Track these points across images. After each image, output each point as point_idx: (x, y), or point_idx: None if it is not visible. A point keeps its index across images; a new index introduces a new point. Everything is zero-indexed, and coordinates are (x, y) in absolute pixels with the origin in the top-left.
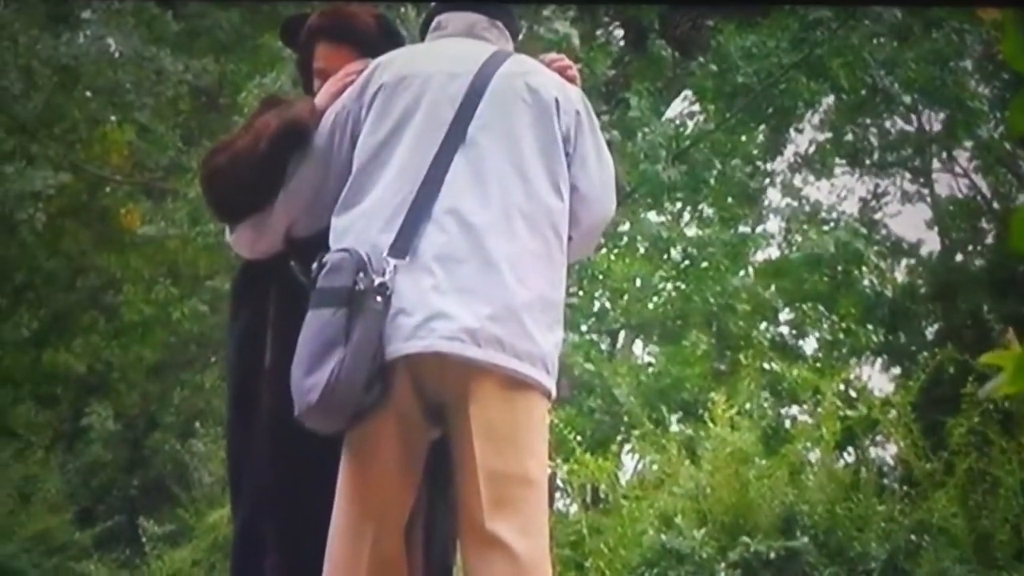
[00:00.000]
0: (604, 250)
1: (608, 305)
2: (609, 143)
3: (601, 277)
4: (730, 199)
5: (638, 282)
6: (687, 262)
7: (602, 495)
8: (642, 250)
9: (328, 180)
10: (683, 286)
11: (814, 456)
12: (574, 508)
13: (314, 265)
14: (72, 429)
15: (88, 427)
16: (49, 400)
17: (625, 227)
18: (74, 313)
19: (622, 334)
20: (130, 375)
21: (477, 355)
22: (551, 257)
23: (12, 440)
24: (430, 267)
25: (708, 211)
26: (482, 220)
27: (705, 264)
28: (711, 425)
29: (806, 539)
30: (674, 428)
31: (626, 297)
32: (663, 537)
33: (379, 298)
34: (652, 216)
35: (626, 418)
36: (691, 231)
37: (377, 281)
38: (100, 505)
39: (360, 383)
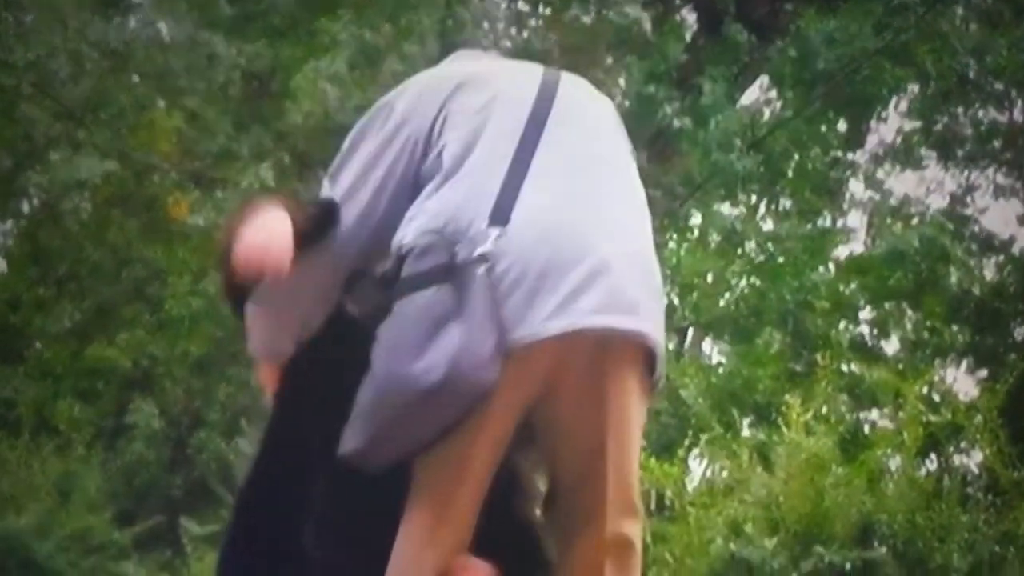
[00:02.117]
0: (673, 243)
1: (676, 301)
2: (680, 131)
3: (669, 272)
4: (809, 191)
5: (709, 277)
6: (762, 257)
7: (668, 502)
8: (714, 244)
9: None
10: (757, 282)
11: (894, 463)
12: None
13: (384, 263)
14: (114, 426)
15: (131, 424)
16: (91, 395)
17: (696, 219)
18: (118, 306)
19: (691, 332)
20: (175, 370)
21: (622, 328)
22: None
23: (52, 436)
24: (546, 236)
25: (785, 203)
26: (586, 196)
27: (781, 259)
28: (785, 430)
29: (884, 550)
30: (745, 432)
31: (696, 293)
32: (732, 546)
33: (483, 269)
34: (725, 208)
35: (694, 421)
36: (767, 224)
37: (478, 252)
38: (141, 504)
39: (486, 358)
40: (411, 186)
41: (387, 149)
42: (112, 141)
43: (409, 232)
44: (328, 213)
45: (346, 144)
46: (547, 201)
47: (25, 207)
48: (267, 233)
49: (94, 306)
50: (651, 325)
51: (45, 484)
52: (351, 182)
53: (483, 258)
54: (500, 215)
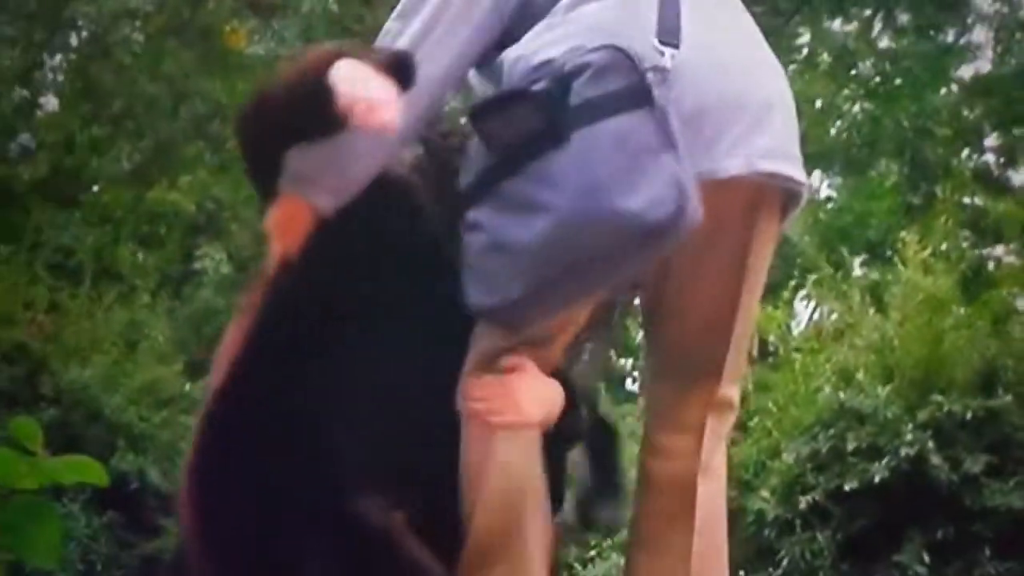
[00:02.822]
0: None
1: None
2: None
3: None
4: (929, 3)
5: (818, 103)
6: (877, 79)
7: (771, 347)
8: (824, 65)
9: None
10: (872, 107)
11: (1022, 303)
12: None
13: (534, 78)
14: (180, 272)
15: (199, 270)
16: (154, 241)
17: (805, 38)
18: (178, 144)
19: None
20: (241, 213)
21: (787, 174)
22: None
23: (115, 283)
24: (719, 66)
25: (903, 18)
26: (737, 32)
27: (899, 81)
28: (901, 268)
29: (1009, 397)
30: (857, 272)
31: (804, 120)
32: (841, 395)
33: (669, 92)
34: (836, 25)
35: (800, 261)
36: (883, 42)
37: (662, 72)
38: (212, 354)
39: (695, 192)
40: (511, 14)
41: None
42: None
43: (552, 48)
44: (404, 69)
45: None
46: (707, 30)
47: (74, 40)
48: (380, 86)
49: (152, 145)
50: (803, 173)
51: (110, 334)
52: (435, 15)
53: (666, 79)
54: (670, 37)
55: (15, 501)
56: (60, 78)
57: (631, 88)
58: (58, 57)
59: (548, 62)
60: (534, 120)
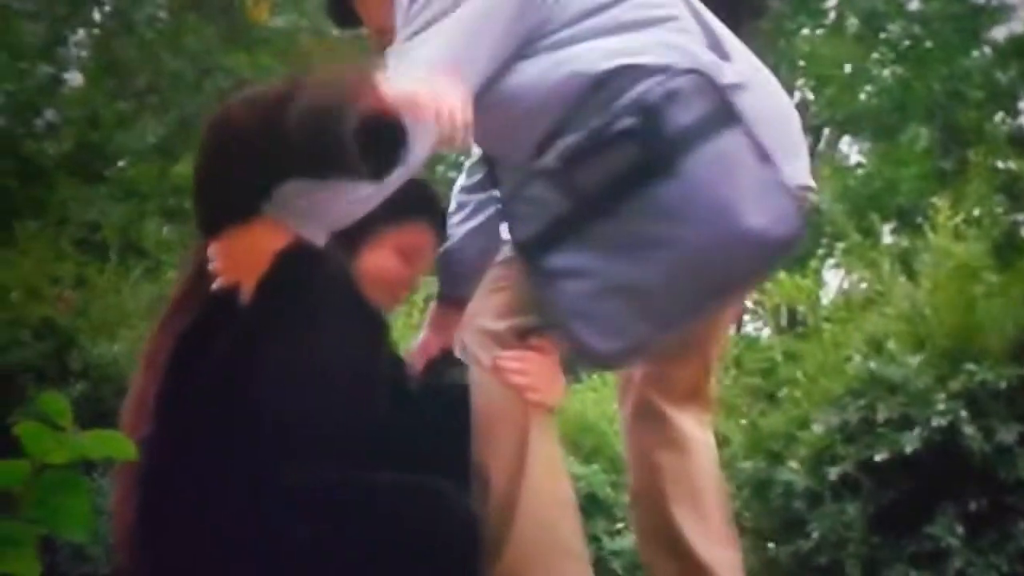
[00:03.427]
0: (806, 31)
1: (810, 96)
2: None
3: (803, 63)
4: None
5: (848, 67)
6: (908, 42)
7: (799, 317)
8: (853, 29)
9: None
10: (902, 71)
11: None
12: (766, 332)
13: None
14: None
15: None
16: (179, 215)
17: (832, 2)
18: (202, 118)
19: (826, 131)
20: None
21: (813, 186)
22: None
23: (141, 258)
24: (761, 79)
25: None
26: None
27: (930, 43)
28: (932, 235)
29: None
30: (887, 239)
31: (833, 86)
32: (872, 364)
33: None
34: None
35: (829, 229)
36: (913, 4)
37: (736, 89)
38: None
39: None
40: (521, 38)
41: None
42: None
43: (625, 57)
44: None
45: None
46: (737, 46)
47: (97, 15)
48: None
49: (176, 119)
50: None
51: (137, 309)
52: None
53: (738, 94)
54: (720, 51)
55: (46, 476)
56: (84, 54)
57: (718, 109)
58: (81, 32)
59: (627, 70)
60: (631, 157)
